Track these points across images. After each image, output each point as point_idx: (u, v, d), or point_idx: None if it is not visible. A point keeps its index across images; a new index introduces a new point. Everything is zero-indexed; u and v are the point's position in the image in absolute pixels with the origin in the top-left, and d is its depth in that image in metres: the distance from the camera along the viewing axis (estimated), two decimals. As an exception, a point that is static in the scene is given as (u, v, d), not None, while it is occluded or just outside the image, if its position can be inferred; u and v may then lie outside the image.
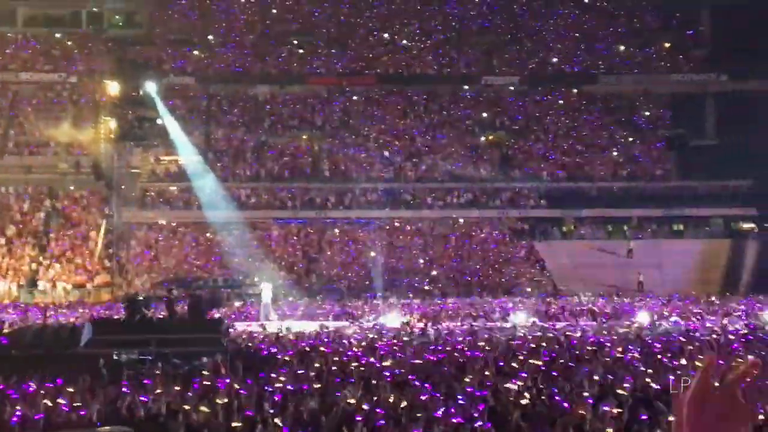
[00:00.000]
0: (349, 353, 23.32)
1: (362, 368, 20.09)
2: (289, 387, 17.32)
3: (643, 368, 19.50)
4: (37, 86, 72.40)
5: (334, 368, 20.21)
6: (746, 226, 67.50)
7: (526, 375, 18.23)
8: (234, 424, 13.70)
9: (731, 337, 27.15)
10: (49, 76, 72.93)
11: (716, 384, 1.75)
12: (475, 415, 13.80)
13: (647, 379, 17.54)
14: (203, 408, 15.02)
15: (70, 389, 17.44)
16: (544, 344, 24.87)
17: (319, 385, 17.48)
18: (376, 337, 29.03)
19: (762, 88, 72.37)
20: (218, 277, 57.47)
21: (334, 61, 77.65)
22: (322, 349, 24.44)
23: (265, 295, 42.10)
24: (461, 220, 67.58)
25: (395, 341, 27.07)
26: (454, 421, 13.46)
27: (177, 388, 17.55)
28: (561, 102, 76.94)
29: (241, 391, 16.82)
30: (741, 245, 65.00)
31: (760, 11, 67.34)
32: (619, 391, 16.00)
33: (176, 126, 67.55)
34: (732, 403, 1.72)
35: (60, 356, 23.35)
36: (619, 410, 14.08)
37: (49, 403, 15.79)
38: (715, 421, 1.71)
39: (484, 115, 75.61)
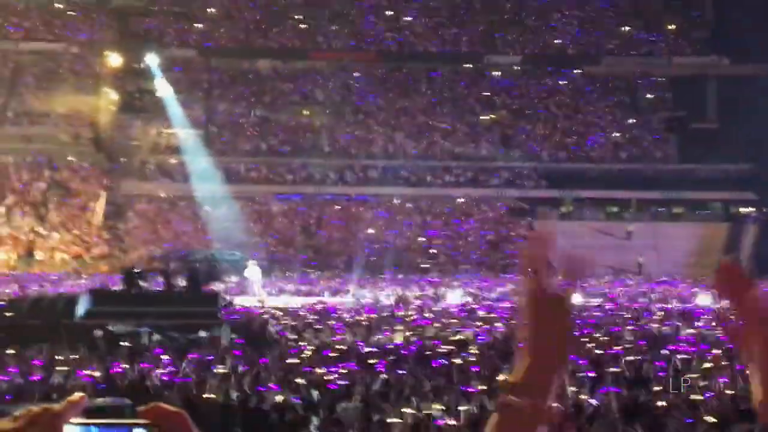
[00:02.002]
0: (343, 329, 23.41)
1: (358, 345, 20.14)
2: (286, 361, 17.36)
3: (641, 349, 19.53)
4: (38, 56, 72.20)
5: (329, 344, 20.26)
6: (745, 210, 67.52)
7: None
8: (230, 395, 13.74)
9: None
10: (50, 46, 72.72)
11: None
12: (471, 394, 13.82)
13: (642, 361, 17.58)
14: (202, 380, 15.06)
15: (66, 360, 17.47)
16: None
17: (315, 360, 17.52)
18: (372, 313, 29.07)
19: (763, 72, 72.17)
20: (216, 251, 57.39)
21: (336, 37, 77.43)
22: (318, 326, 24.50)
23: (253, 272, 41.82)
24: (460, 199, 67.59)
25: (391, 317, 27.13)
26: (448, 399, 13.47)
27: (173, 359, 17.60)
28: (562, 82, 76.84)
29: (239, 364, 16.87)
30: (739, 229, 65.00)
31: (763, -5, 67.14)
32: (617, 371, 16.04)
33: (173, 99, 67.37)
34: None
35: (56, 326, 23.37)
36: (618, 392, 14.11)
37: (45, 374, 15.83)
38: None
39: (485, 93, 75.51)
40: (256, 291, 40.16)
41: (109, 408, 11.99)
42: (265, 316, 27.46)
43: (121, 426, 1.52)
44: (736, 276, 1.59)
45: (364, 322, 25.62)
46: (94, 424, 1.52)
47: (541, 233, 1.75)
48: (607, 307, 33.67)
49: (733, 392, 13.47)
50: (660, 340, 21.77)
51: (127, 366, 16.75)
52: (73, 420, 1.51)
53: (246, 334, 22.64)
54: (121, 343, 20.46)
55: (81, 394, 1.56)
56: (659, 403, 13.05)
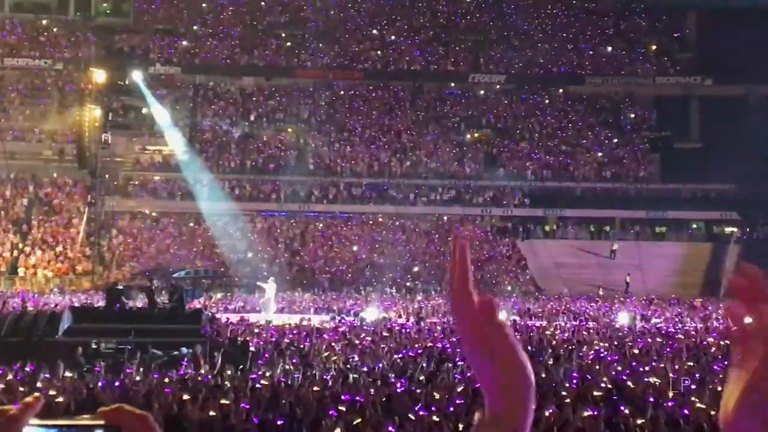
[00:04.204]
0: (329, 347, 23.35)
1: (341, 362, 20.10)
2: (267, 378, 17.31)
3: (620, 369, 19.56)
4: (23, 72, 72.10)
5: (312, 361, 20.22)
6: (728, 229, 67.77)
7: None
8: (211, 413, 13.67)
9: (710, 339, 27.24)
10: (35, 62, 72.60)
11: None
12: (453, 410, 13.79)
13: (624, 380, 17.58)
14: (184, 397, 14.98)
15: (48, 377, 17.39)
16: (523, 343, 24.92)
17: (297, 378, 17.48)
18: (356, 331, 29.01)
19: (746, 92, 72.68)
20: (200, 268, 57.36)
21: (321, 55, 77.48)
22: (302, 345, 24.45)
23: (269, 289, 41.92)
24: (445, 217, 67.63)
25: (374, 336, 27.07)
26: (433, 418, 13.42)
27: (155, 377, 17.53)
28: (547, 102, 77.11)
29: (219, 381, 16.81)
30: (722, 249, 65.22)
31: (745, 16, 67.62)
32: (596, 393, 16.02)
33: (165, 115, 67.23)
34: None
35: (38, 344, 23.26)
36: (596, 411, 14.08)
37: (26, 390, 15.72)
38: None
39: (470, 112, 75.68)
40: (270, 309, 40.21)
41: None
42: (248, 333, 27.35)
43: (80, 428, 1.50)
44: (758, 286, 1.52)
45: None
46: (51, 426, 1.49)
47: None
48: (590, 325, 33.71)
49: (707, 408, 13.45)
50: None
51: (108, 382, 16.67)
52: (31, 422, 1.48)
53: (227, 351, 22.55)
54: (102, 360, 20.38)
55: (37, 395, 1.54)
56: (639, 421, 13.06)
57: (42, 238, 59.98)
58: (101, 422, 1.47)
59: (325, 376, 18.01)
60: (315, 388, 15.90)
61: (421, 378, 17.88)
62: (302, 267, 61.65)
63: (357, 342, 25.03)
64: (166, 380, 17.24)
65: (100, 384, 16.55)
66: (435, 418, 13.06)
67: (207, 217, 63.26)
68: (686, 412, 13.66)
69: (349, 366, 19.67)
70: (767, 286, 1.50)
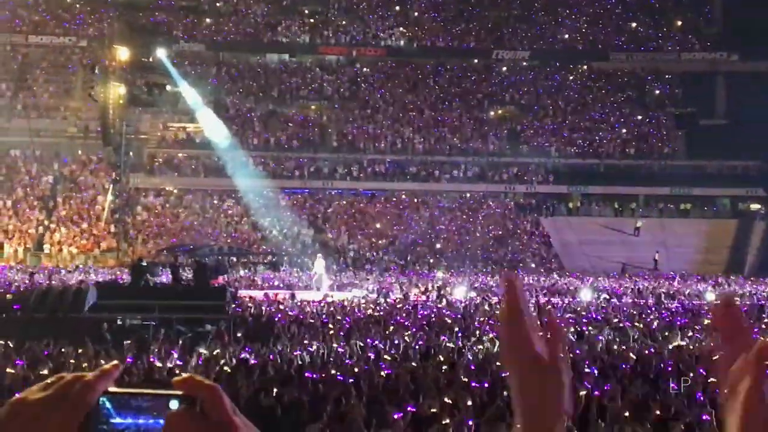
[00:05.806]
0: (351, 322, 23.41)
1: (365, 339, 20.15)
2: (291, 355, 17.38)
3: (643, 345, 19.54)
4: (47, 50, 72.25)
5: (335, 337, 20.27)
6: (753, 206, 67.39)
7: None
8: (235, 390, 13.75)
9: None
10: (59, 39, 72.74)
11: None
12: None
13: (647, 357, 17.58)
14: (208, 374, 15.07)
15: (74, 352, 17.51)
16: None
17: (321, 353, 17.55)
18: (380, 307, 29.08)
19: (773, 68, 72.05)
20: (224, 245, 57.52)
21: (344, 32, 77.37)
22: (325, 322, 24.54)
23: (319, 266, 42.30)
24: (468, 194, 67.54)
25: (397, 313, 27.12)
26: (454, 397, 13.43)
27: (179, 353, 17.63)
28: (571, 78, 76.70)
29: (243, 358, 16.89)
30: (747, 226, 64.91)
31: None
32: (619, 369, 16.03)
33: (193, 93, 67.18)
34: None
35: (64, 319, 23.42)
36: (621, 387, 14.10)
37: (52, 365, 15.87)
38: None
39: (494, 89, 75.41)
40: (322, 286, 40.47)
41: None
42: (272, 310, 27.45)
43: (156, 396, 1.52)
44: (736, 316, 1.54)
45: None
46: (128, 394, 1.51)
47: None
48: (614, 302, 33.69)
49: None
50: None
51: (135, 359, 16.79)
52: (109, 389, 1.50)
53: (250, 327, 22.66)
54: (128, 336, 20.51)
55: (115, 362, 1.56)
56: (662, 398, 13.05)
57: (67, 215, 60.30)
58: (177, 392, 1.49)
59: (346, 353, 18.06)
60: (338, 366, 15.96)
61: (443, 357, 17.90)
62: (325, 244, 61.70)
63: (379, 319, 25.09)
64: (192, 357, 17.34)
65: (127, 361, 16.66)
66: (456, 397, 13.08)
67: (232, 194, 63.41)
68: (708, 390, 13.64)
69: (371, 343, 19.72)
70: (744, 318, 1.53)
